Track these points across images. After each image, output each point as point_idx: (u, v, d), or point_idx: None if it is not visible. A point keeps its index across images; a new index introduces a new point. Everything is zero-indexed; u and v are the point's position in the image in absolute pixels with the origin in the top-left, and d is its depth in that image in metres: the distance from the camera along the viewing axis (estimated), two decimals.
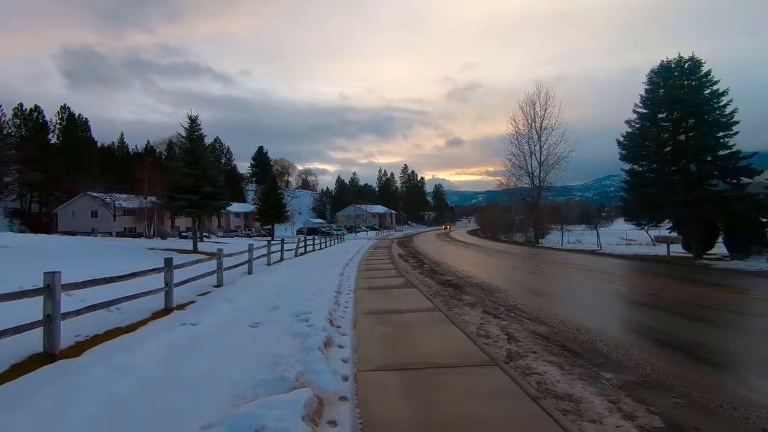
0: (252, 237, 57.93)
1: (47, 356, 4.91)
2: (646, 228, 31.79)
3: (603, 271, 15.60)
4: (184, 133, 20.95)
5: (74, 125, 70.87)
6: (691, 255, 21.72)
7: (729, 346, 5.91)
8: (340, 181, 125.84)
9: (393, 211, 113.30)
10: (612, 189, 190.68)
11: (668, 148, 23.49)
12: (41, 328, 4.96)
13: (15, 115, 62.87)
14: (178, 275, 9.10)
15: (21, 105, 64.28)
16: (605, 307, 9.17)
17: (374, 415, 3.47)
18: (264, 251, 16.81)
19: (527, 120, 42.44)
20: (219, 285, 11.06)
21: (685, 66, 23.52)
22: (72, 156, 61.13)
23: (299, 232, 67.18)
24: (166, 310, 8.06)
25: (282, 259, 19.09)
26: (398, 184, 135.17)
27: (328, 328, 5.71)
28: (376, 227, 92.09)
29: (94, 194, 47.50)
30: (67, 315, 5.40)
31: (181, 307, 8.42)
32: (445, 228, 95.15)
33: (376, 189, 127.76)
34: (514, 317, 7.39)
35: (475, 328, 6.49)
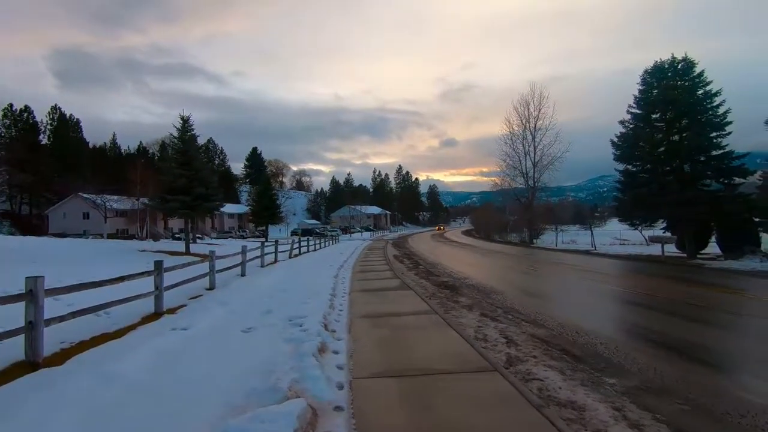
0: (246, 238, 57.55)
1: (29, 364, 4.72)
2: (639, 228, 31.93)
3: (598, 271, 15.56)
4: (176, 134, 20.69)
5: (65, 126, 70.07)
6: (685, 255, 21.78)
7: (729, 349, 5.83)
8: (334, 182, 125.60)
9: (388, 212, 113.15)
10: (605, 189, 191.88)
11: (662, 149, 23.55)
12: (23, 335, 4.77)
13: (5, 116, 61.96)
14: (169, 278, 8.91)
15: (11, 105, 63.37)
16: (602, 308, 9.09)
17: (371, 426, 3.32)
18: (257, 253, 16.62)
19: (521, 121, 42.55)
20: (211, 288, 10.87)
21: (679, 66, 23.61)
22: (63, 157, 60.42)
23: (293, 233, 66.89)
24: (157, 315, 7.87)
25: (276, 260, 18.88)
26: (393, 184, 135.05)
27: (322, 333, 5.55)
28: (371, 228, 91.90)
29: (86, 196, 46.91)
30: (50, 321, 5.21)
31: (172, 311, 8.22)
32: (439, 229, 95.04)
33: (371, 190, 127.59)
34: (511, 320, 7.27)
35: (473, 332, 6.36)
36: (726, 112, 22.07)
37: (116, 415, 3.44)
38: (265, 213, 52.36)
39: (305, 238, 33.71)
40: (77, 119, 73.43)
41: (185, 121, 20.40)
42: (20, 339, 4.77)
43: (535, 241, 41.76)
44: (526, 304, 8.82)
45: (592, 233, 32.52)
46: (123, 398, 3.69)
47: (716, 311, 8.31)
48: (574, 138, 46.12)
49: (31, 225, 52.82)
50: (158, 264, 8.10)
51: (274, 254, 19.21)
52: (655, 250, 25.22)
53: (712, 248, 22.88)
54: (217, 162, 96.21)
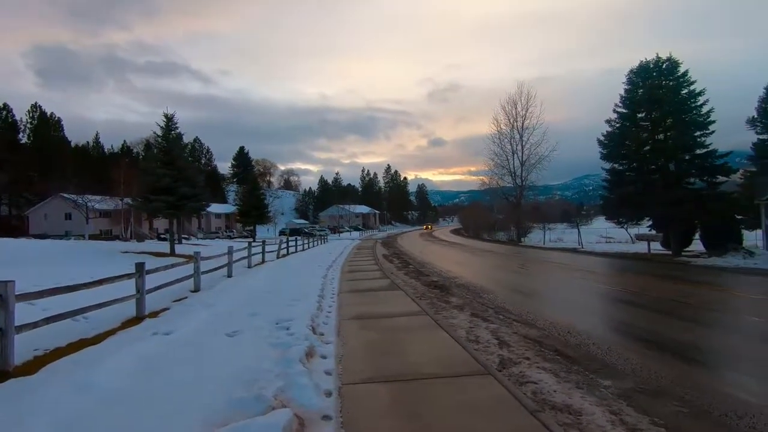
0: (233, 238, 56.88)
1: None
2: (625, 226, 32.30)
3: (587, 269, 15.61)
4: (159, 132, 20.22)
5: (46, 124, 68.44)
6: (671, 252, 22.05)
7: (722, 347, 5.81)
8: (323, 182, 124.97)
9: (376, 211, 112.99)
10: (591, 188, 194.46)
11: (647, 147, 23.84)
12: None
13: None
14: (152, 280, 8.63)
15: None
16: (593, 306, 9.07)
17: None
18: (244, 253, 16.32)
19: (509, 120, 42.81)
20: (196, 290, 10.59)
21: (663, 66, 23.89)
22: (44, 156, 58.91)
23: (281, 233, 66.35)
24: (138, 319, 7.60)
25: (263, 261, 18.58)
26: (381, 184, 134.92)
27: (310, 337, 5.37)
28: (360, 227, 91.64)
29: (67, 196, 45.83)
30: (22, 328, 4.95)
31: (154, 314, 7.95)
32: (427, 228, 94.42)
33: (360, 189, 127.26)
34: (503, 320, 7.18)
35: (464, 333, 6.24)
36: (709, 112, 22.43)
37: (88, 428, 3.23)
38: (253, 213, 51.76)
39: (293, 238, 33.38)
40: (58, 118, 71.84)
41: (169, 119, 19.95)
42: None
43: (523, 239, 42.00)
44: (516, 303, 8.75)
45: (579, 231, 32.77)
46: (96, 410, 3.47)
47: (705, 309, 8.33)
48: (560, 138, 46.71)
49: (10, 226, 51.39)
50: (139, 266, 7.82)
51: (261, 254, 18.92)
52: (640, 247, 25.49)
53: (696, 246, 23.21)
54: (203, 161, 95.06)
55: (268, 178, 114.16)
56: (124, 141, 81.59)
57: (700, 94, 22.71)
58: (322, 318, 7.00)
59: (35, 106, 68.52)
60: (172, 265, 9.83)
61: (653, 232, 25.16)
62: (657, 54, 24.15)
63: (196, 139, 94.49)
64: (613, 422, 3.42)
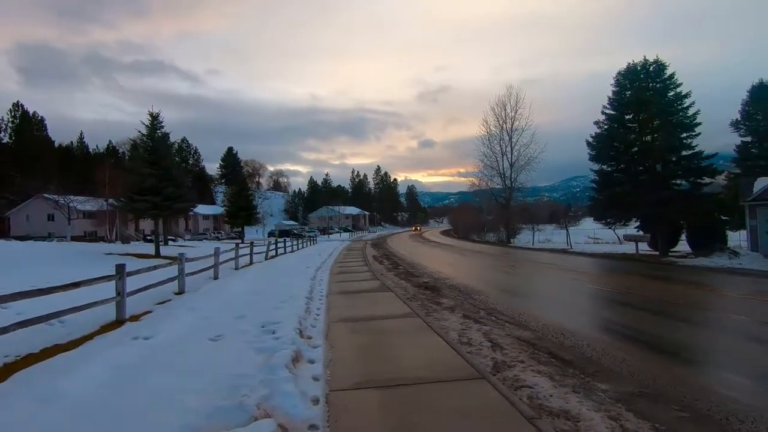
0: (221, 240, 56.14)
1: None
2: (613, 227, 32.56)
3: (577, 270, 15.61)
4: (145, 131, 19.77)
5: (28, 124, 66.82)
6: (658, 253, 22.23)
7: (716, 348, 5.74)
8: (312, 183, 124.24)
9: (366, 213, 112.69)
10: (578, 189, 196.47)
11: (635, 149, 24.05)
12: None
13: None
14: (135, 282, 8.33)
15: None
16: (585, 307, 8.99)
17: None
18: (231, 255, 16.00)
19: (498, 121, 42.95)
20: (180, 292, 10.29)
21: (650, 69, 24.13)
22: (26, 156, 57.51)
23: (270, 234, 65.70)
24: (119, 322, 7.29)
25: (251, 262, 18.26)
26: (371, 185, 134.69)
27: (297, 341, 5.16)
28: (350, 228, 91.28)
29: (48, 196, 44.74)
30: None
31: (135, 318, 7.65)
32: (416, 229, 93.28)
33: (349, 190, 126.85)
34: (495, 322, 7.04)
35: (456, 335, 6.08)
36: (695, 114, 22.70)
37: None
38: (241, 214, 51.14)
39: (282, 239, 32.99)
40: (41, 117, 70.16)
41: (154, 117, 19.51)
42: None
43: (512, 240, 42.15)
44: (508, 304, 8.63)
45: (567, 232, 32.97)
46: (64, 423, 3.23)
47: (697, 309, 8.31)
48: (547, 140, 47.02)
49: None
50: (120, 267, 7.52)
51: (249, 256, 18.59)
52: (628, 248, 25.69)
53: (683, 246, 23.47)
54: (191, 162, 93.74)
55: (257, 179, 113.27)
56: (110, 141, 79.92)
57: (686, 96, 22.99)
58: (310, 321, 6.79)
59: (17, 105, 66.91)
60: (155, 267, 9.51)
61: (641, 232, 25.38)
62: (644, 56, 24.41)
63: (184, 140, 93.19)
64: (613, 429, 3.28)
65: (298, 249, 30.68)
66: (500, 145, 43.13)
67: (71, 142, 78.38)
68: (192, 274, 11.50)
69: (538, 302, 9.50)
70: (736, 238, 22.99)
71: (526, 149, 41.49)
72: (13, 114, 66.11)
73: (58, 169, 54.56)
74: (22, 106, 67.47)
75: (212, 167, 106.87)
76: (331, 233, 76.98)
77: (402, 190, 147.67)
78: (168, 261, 12.03)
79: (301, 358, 4.68)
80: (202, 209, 72.46)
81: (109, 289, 7.58)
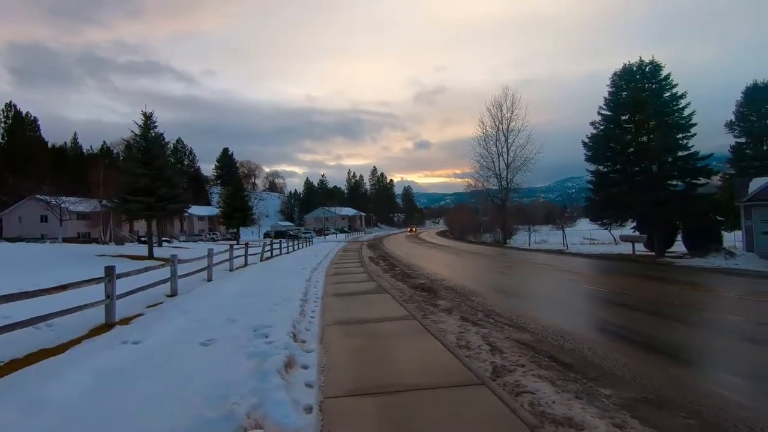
0: (217, 241, 55.77)
1: None
2: (609, 228, 32.58)
3: (574, 270, 15.53)
4: (138, 131, 19.53)
5: (21, 124, 66.18)
6: (654, 253, 22.22)
7: (719, 351, 5.63)
8: (308, 184, 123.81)
9: (362, 214, 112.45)
10: (574, 190, 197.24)
11: (631, 149, 24.06)
12: None
13: None
14: (126, 285, 8.15)
15: None
16: (584, 309, 8.89)
17: None
18: (226, 256, 15.81)
19: (494, 122, 42.89)
20: (173, 294, 10.11)
21: (646, 69, 24.16)
22: (19, 156, 56.93)
23: (266, 235, 65.36)
24: (108, 326, 7.11)
25: (246, 264, 18.06)
26: (367, 186, 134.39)
27: (290, 345, 5.00)
28: (346, 229, 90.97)
29: (40, 197, 44.26)
30: None
31: (125, 321, 7.47)
32: (411, 230, 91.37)
33: (346, 191, 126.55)
34: (493, 324, 6.91)
35: (454, 338, 5.95)
36: (691, 114, 22.73)
37: None
38: (237, 215, 50.85)
39: (278, 241, 32.78)
40: (34, 117, 69.45)
41: (148, 117, 19.29)
42: None
43: (508, 241, 42.10)
44: (506, 306, 8.51)
45: (564, 233, 32.94)
46: (47, 431, 3.07)
47: (695, 310, 8.23)
48: (543, 140, 47.06)
49: None
50: (109, 270, 7.34)
51: (244, 257, 18.40)
52: (624, 248, 25.68)
53: (678, 246, 23.49)
54: (186, 163, 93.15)
55: (252, 180, 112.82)
56: (104, 142, 79.29)
57: (682, 96, 23.02)
58: (305, 324, 6.63)
59: (10, 105, 66.26)
60: (146, 269, 9.32)
61: (637, 233, 25.39)
62: (640, 57, 24.43)
63: (179, 141, 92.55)
64: None
65: (293, 250, 30.47)
66: (496, 146, 43.13)
67: (65, 142, 77.73)
68: (185, 276, 11.31)
69: (536, 304, 9.38)
70: (731, 239, 23.04)
71: (522, 150, 41.49)
72: (5, 114, 65.48)
73: (51, 170, 54.05)
74: (15, 106, 66.87)
75: (208, 168, 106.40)
76: (327, 234, 76.69)
77: (398, 191, 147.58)
78: (160, 263, 11.83)
79: (294, 363, 4.53)
80: (197, 210, 71.99)
81: (99, 291, 7.40)
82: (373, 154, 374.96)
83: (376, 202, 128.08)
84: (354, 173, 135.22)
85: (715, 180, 25.64)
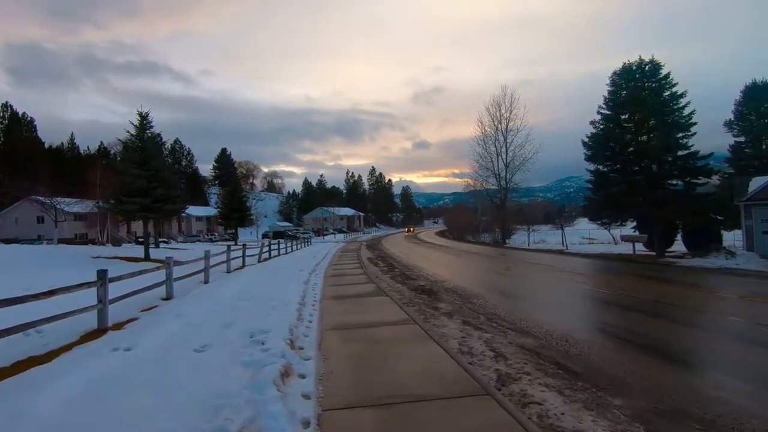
0: (215, 242, 55.54)
1: None
2: (608, 227, 32.47)
3: (575, 271, 15.39)
4: (133, 131, 19.31)
5: (18, 124, 65.91)
6: (654, 253, 22.10)
7: (727, 355, 5.47)
8: (307, 184, 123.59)
9: (361, 214, 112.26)
10: (572, 190, 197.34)
11: (631, 149, 23.92)
12: None
13: None
14: (120, 288, 7.97)
15: None
16: (587, 311, 8.74)
17: None
18: (223, 257, 15.62)
19: (493, 122, 42.75)
20: (168, 297, 9.93)
21: (646, 68, 24.03)
22: (15, 157, 56.62)
23: (264, 235, 65.17)
24: (100, 331, 6.93)
25: (244, 265, 17.88)
26: (366, 186, 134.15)
27: (287, 353, 4.82)
28: (344, 230, 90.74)
29: (38, 198, 43.95)
30: None
31: (118, 326, 7.29)
32: (409, 231, 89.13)
33: (344, 191, 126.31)
34: (496, 328, 6.75)
35: (456, 344, 5.77)
36: (691, 113, 22.60)
37: None
38: (235, 215, 50.58)
39: (276, 241, 32.59)
40: (31, 118, 69.20)
41: (143, 117, 19.07)
42: None
43: (507, 241, 41.98)
44: (508, 309, 8.35)
45: (563, 233, 32.80)
46: None
47: (703, 312, 8.10)
48: (542, 140, 46.94)
49: None
50: (101, 273, 7.15)
51: (241, 258, 18.21)
52: (624, 248, 25.56)
53: (678, 246, 23.39)
54: (184, 163, 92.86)
55: (251, 180, 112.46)
56: (101, 142, 78.95)
57: (682, 95, 22.90)
58: (302, 329, 6.45)
59: (6, 106, 65.96)
60: (141, 272, 9.12)
61: (637, 233, 25.27)
62: (639, 56, 24.31)
63: (177, 141, 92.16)
64: None
65: (292, 251, 30.29)
66: (495, 146, 42.98)
67: (62, 143, 77.30)
68: (181, 278, 11.13)
69: (538, 306, 9.20)
70: (730, 238, 22.95)
71: (521, 150, 41.36)
72: (2, 115, 65.15)
73: (48, 171, 53.70)
74: (11, 106, 66.60)
75: (206, 168, 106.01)
76: (326, 234, 76.51)
77: (397, 191, 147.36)
78: (155, 265, 11.64)
79: (291, 372, 4.35)
80: (195, 211, 71.74)
81: (93, 295, 7.22)
82: (371, 154, 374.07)
83: (375, 202, 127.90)
84: (353, 173, 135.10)
85: (714, 179, 25.55)
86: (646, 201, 21.78)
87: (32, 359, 5.50)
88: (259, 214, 69.58)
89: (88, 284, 6.89)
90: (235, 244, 29.99)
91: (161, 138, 20.86)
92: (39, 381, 4.44)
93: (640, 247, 23.31)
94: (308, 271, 15.14)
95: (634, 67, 24.31)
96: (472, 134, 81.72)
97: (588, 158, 25.77)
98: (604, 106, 25.33)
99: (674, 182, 23.04)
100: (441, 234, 70.81)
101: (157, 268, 10.36)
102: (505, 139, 42.28)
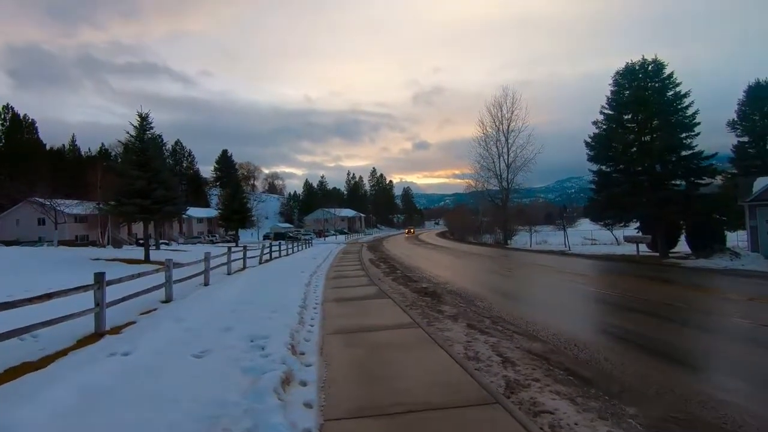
0: (216, 243, 55.46)
1: None
2: (611, 228, 32.26)
3: (579, 272, 15.21)
4: (133, 133, 19.20)
5: (19, 126, 65.95)
6: (658, 254, 21.92)
7: (741, 360, 5.30)
8: (308, 185, 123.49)
9: (362, 215, 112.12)
10: (573, 190, 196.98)
11: (634, 149, 23.74)
12: None
13: None
14: (118, 291, 7.84)
15: None
16: (593, 314, 8.58)
17: None
18: (224, 259, 15.49)
19: (494, 122, 42.57)
20: (168, 300, 9.79)
21: (649, 68, 23.84)
22: (16, 160, 56.64)
23: (265, 237, 65.09)
24: (98, 335, 6.78)
25: (244, 267, 17.74)
26: (367, 187, 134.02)
27: (288, 359, 4.67)
28: (345, 231, 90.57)
29: (38, 200, 43.88)
30: None
31: (116, 330, 7.15)
32: (409, 232, 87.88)
33: (345, 192, 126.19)
34: (502, 332, 6.59)
35: (462, 348, 5.62)
36: (695, 113, 22.42)
37: None
38: (236, 217, 50.45)
39: (277, 243, 32.47)
40: (32, 120, 69.23)
41: (143, 118, 18.95)
42: None
43: (509, 242, 41.79)
44: (513, 311, 8.19)
45: (565, 234, 32.60)
46: None
47: (712, 315, 7.93)
48: (543, 140, 46.76)
49: None
50: (98, 276, 7.01)
51: (242, 260, 18.07)
52: (627, 249, 25.38)
53: (681, 247, 23.21)
54: (185, 164, 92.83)
55: (252, 181, 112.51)
56: (102, 143, 78.94)
57: (685, 95, 22.72)
58: (303, 333, 6.30)
59: (7, 108, 65.98)
60: (139, 275, 8.97)
61: (640, 233, 25.07)
62: (643, 56, 24.12)
63: (178, 142, 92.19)
64: None
65: (293, 252, 30.15)
66: (496, 147, 42.81)
67: (63, 145, 77.39)
68: (181, 280, 11.00)
69: (543, 309, 9.04)
70: (734, 239, 22.77)
71: (523, 150, 41.17)
72: (3, 117, 65.18)
73: (49, 173, 53.65)
74: (13, 108, 66.63)
75: (207, 170, 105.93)
76: (327, 236, 76.37)
77: (397, 192, 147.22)
78: (155, 268, 11.52)
79: (292, 379, 4.20)
80: (196, 212, 71.68)
81: (90, 299, 7.08)
82: (371, 155, 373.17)
83: (376, 203, 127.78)
84: (353, 174, 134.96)
85: (718, 180, 25.34)
86: (649, 201, 21.60)
87: (26, 365, 5.35)
88: (260, 216, 69.52)
89: (85, 287, 6.75)
90: (236, 246, 29.88)
91: (162, 139, 20.78)
92: (30, 390, 4.29)
93: (643, 248, 23.13)
94: (309, 273, 15.00)
95: (637, 67, 24.13)
96: (472, 135, 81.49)
97: (591, 158, 25.58)
98: (606, 106, 25.15)
99: (677, 182, 22.86)
100: (442, 235, 70.63)
101: (157, 271, 10.24)
102: (507, 140, 42.14)
